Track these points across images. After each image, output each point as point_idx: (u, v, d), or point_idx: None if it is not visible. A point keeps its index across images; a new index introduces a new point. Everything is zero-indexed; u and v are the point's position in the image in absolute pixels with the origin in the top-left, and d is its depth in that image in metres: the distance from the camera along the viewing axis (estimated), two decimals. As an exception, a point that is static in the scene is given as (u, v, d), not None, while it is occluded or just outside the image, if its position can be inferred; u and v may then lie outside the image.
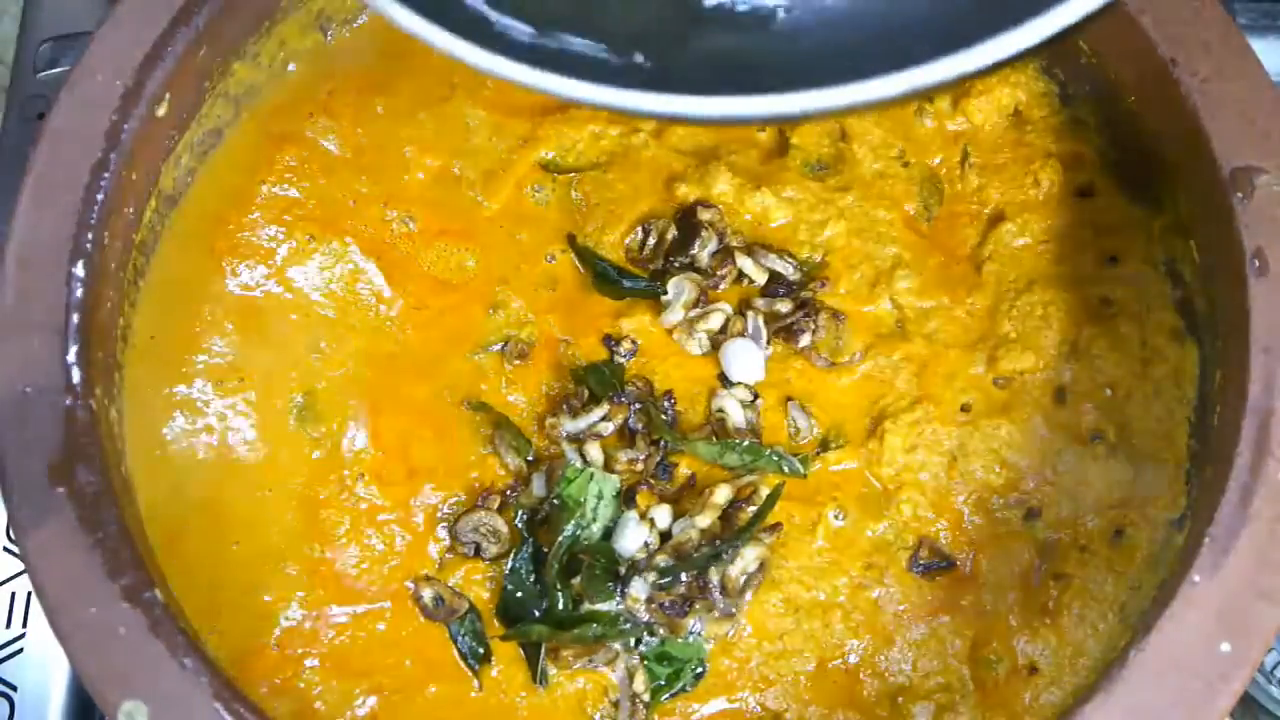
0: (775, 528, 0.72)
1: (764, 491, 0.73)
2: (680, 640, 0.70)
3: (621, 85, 0.44)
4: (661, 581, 0.71)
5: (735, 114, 0.43)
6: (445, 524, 0.73)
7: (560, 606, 0.70)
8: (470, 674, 0.71)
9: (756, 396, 0.75)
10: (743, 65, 0.46)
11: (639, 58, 0.45)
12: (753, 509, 0.72)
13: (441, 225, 0.79)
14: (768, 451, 0.73)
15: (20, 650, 0.79)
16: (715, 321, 0.76)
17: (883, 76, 0.42)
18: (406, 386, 0.75)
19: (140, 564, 0.61)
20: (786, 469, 0.73)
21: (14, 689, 0.78)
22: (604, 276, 0.78)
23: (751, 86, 0.43)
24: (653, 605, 0.70)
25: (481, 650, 0.71)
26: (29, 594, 0.80)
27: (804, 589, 0.72)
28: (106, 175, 0.67)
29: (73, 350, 0.64)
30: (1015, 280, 0.78)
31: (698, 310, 0.76)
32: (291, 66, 0.80)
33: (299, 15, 0.79)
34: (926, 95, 0.43)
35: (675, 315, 0.76)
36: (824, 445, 0.75)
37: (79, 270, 0.65)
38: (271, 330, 0.75)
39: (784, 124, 0.81)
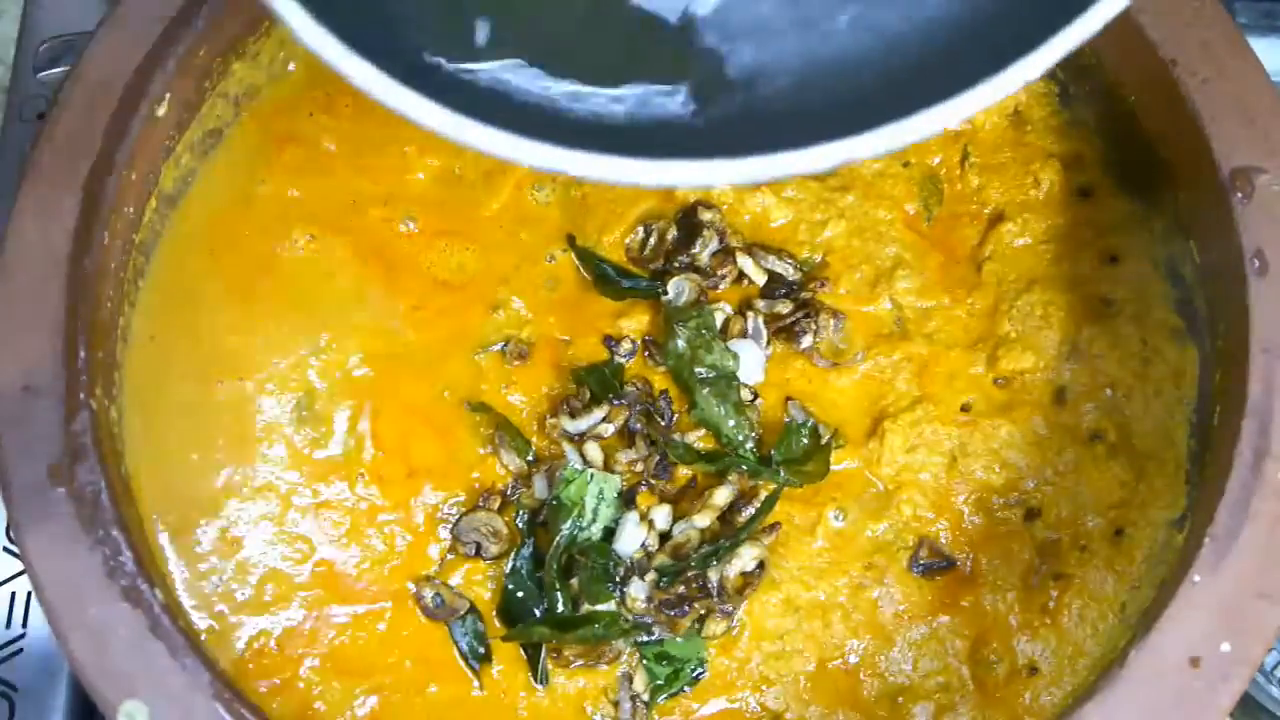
0: (774, 528, 0.72)
1: (764, 493, 0.73)
2: (680, 640, 0.70)
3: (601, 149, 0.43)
4: (661, 582, 0.71)
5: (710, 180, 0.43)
6: (446, 524, 0.73)
7: (560, 607, 0.70)
8: (471, 674, 0.71)
9: (756, 396, 0.75)
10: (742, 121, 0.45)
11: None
12: (752, 509, 0.72)
13: (441, 225, 0.79)
14: (764, 468, 0.73)
15: (20, 650, 0.79)
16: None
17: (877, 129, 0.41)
18: (406, 386, 0.75)
19: (140, 564, 0.61)
20: (779, 480, 0.73)
21: (14, 689, 0.78)
22: (604, 277, 0.78)
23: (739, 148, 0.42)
24: (652, 605, 0.70)
25: (482, 650, 0.71)
26: (29, 594, 0.80)
27: (804, 589, 0.72)
28: (106, 175, 0.67)
29: (73, 350, 0.64)
30: (1015, 280, 0.78)
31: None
32: (291, 66, 0.80)
33: (299, 15, 0.78)
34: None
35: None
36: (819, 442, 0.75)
37: (79, 270, 0.65)
38: (272, 330, 0.75)
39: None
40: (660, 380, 0.76)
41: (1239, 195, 0.67)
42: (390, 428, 0.74)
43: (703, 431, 0.75)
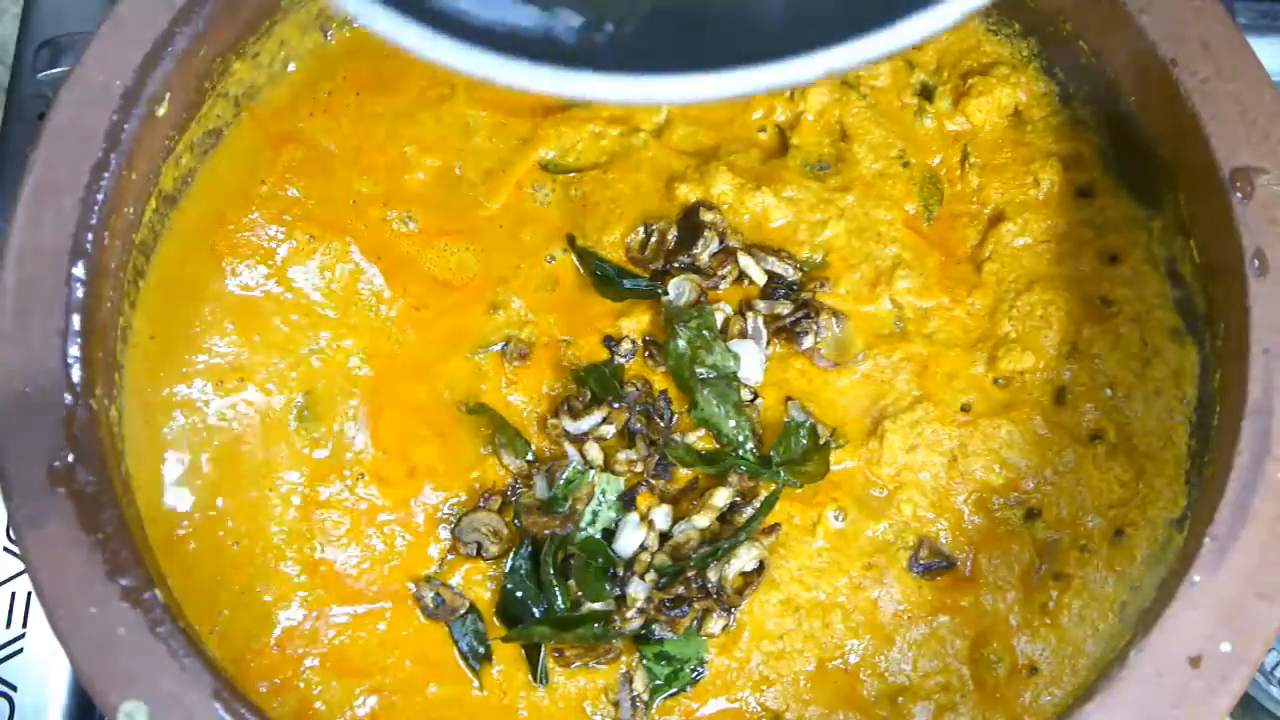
0: (774, 528, 0.72)
1: (764, 493, 0.73)
2: (679, 640, 0.70)
3: (571, 66, 0.42)
4: (660, 582, 0.71)
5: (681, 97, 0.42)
6: (446, 524, 0.73)
7: (560, 606, 0.71)
8: (470, 674, 0.71)
9: (756, 396, 0.75)
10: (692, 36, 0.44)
11: (593, 32, 0.44)
12: (752, 510, 0.72)
13: (441, 225, 0.79)
14: (764, 470, 0.73)
15: (20, 650, 0.79)
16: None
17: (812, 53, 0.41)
18: (406, 386, 0.75)
19: (140, 564, 0.61)
20: (779, 480, 0.73)
21: (14, 689, 0.78)
22: (604, 277, 0.78)
23: (703, 63, 0.42)
24: (651, 605, 0.70)
25: (482, 650, 0.71)
26: (29, 594, 0.80)
27: (804, 589, 0.72)
28: (106, 175, 0.67)
29: (73, 350, 0.64)
30: (1015, 280, 0.78)
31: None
32: (291, 66, 0.80)
33: (299, 15, 0.79)
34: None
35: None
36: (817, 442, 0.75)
37: (79, 270, 0.65)
38: (272, 330, 0.75)
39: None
40: (660, 380, 0.76)
41: (1239, 195, 0.67)
42: (390, 428, 0.75)
43: (703, 432, 0.75)
